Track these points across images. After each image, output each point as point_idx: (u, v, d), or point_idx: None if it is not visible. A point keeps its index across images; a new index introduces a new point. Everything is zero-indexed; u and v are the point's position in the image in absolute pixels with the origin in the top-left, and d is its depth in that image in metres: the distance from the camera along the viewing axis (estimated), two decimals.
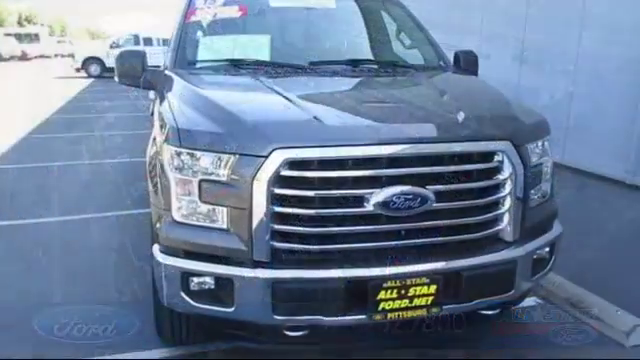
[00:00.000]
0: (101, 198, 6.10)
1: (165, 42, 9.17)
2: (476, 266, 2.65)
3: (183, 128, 2.64)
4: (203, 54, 3.75)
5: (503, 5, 8.07)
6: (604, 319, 3.37)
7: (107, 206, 5.73)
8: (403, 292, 2.56)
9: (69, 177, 7.05)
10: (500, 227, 2.74)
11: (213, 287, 2.61)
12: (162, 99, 3.29)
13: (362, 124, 2.70)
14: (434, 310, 2.62)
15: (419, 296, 2.59)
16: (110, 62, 20.92)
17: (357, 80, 3.61)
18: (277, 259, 2.53)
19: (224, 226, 2.58)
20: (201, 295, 2.63)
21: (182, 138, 2.61)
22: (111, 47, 22.84)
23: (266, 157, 2.45)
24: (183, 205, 2.64)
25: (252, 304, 2.54)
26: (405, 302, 2.58)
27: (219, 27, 3.94)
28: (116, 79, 3.95)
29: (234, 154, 2.51)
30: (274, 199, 2.47)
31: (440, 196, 2.57)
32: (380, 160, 2.52)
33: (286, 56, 3.77)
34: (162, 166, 2.72)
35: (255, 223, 2.49)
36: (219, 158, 2.54)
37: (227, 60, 3.68)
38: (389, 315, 2.57)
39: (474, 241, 2.71)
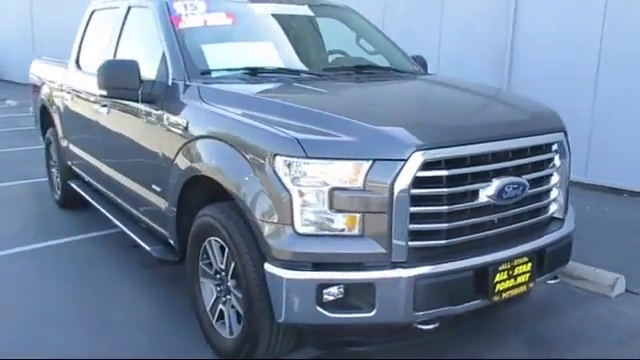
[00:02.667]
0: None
1: None
2: (554, 242, 3.05)
3: (305, 139, 2.59)
4: (213, 63, 3.57)
5: None
6: (587, 278, 4.03)
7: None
8: (511, 272, 2.85)
9: None
10: (556, 207, 3.18)
11: (347, 295, 2.62)
12: (195, 113, 3.15)
13: (471, 124, 2.92)
14: (530, 285, 2.96)
15: (521, 274, 2.89)
16: None
17: (389, 85, 3.80)
18: (412, 257, 2.63)
19: (356, 232, 2.60)
20: (337, 305, 2.61)
21: (307, 149, 2.56)
22: None
23: (406, 160, 2.54)
24: (309, 216, 2.59)
25: (395, 305, 2.60)
26: (512, 281, 2.86)
27: (215, 34, 3.78)
28: (102, 92, 3.57)
29: (368, 160, 2.55)
30: (411, 200, 2.57)
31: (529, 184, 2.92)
32: (490, 155, 2.77)
33: (297, 63, 3.78)
34: (269, 180, 2.63)
35: (395, 225, 2.56)
36: (352, 165, 2.56)
37: (244, 68, 3.57)
38: (503, 295, 2.84)
39: (545, 221, 3.12)
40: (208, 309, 3.26)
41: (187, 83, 3.36)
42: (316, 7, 4.42)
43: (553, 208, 3.16)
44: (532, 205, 2.99)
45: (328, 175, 2.56)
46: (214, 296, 3.21)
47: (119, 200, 4.38)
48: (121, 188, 4.25)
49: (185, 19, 3.75)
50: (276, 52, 3.83)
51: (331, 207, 2.57)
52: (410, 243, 2.61)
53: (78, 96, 4.93)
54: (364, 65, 4.02)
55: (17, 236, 5.19)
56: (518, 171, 2.87)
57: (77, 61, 5.16)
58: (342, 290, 2.60)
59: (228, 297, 3.09)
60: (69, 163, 5.51)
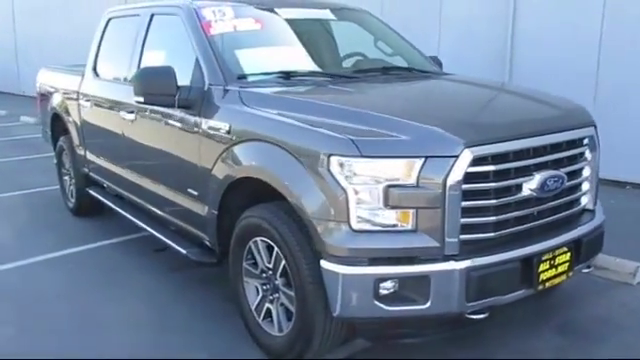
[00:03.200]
0: None
1: None
2: (589, 232, 3.18)
3: (359, 139, 2.68)
4: (248, 68, 3.64)
5: None
6: (608, 268, 4.17)
7: None
8: (552, 262, 2.97)
9: None
10: (588, 199, 3.31)
11: (402, 288, 2.71)
12: (238, 117, 3.25)
13: (512, 121, 3.03)
14: (570, 274, 3.08)
15: (562, 263, 3.02)
16: None
17: (418, 84, 3.92)
18: (462, 250, 2.73)
19: (410, 227, 2.69)
20: (392, 298, 2.70)
21: (361, 148, 2.65)
22: None
23: (457, 157, 2.65)
24: (364, 213, 2.69)
25: (448, 296, 2.70)
26: (554, 271, 2.98)
27: (246, 39, 3.86)
28: (138, 99, 3.62)
29: (421, 157, 2.65)
30: (462, 195, 2.68)
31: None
32: (531, 150, 2.89)
33: (327, 66, 3.87)
34: (324, 179, 2.72)
35: (448, 220, 2.67)
36: (405, 163, 2.66)
37: (278, 72, 3.65)
38: (546, 284, 2.96)
39: (578, 213, 3.25)
40: (253, 308, 3.33)
41: (226, 88, 3.43)
42: (337, 11, 4.51)
43: (585, 200, 3.29)
44: (568, 197, 3.12)
45: (382, 173, 2.66)
46: (260, 295, 3.29)
47: (147, 205, 4.43)
48: (150, 193, 4.30)
49: (215, 25, 3.82)
50: (305, 55, 3.92)
51: (386, 204, 2.66)
52: (461, 236, 2.72)
53: (97, 104, 4.97)
54: (389, 66, 4.13)
55: (36, 245, 5.21)
56: (556, 165, 2.99)
57: (94, 69, 5.19)
58: (397, 283, 2.70)
59: (276, 295, 3.17)
60: (85, 170, 5.54)
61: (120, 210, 4.90)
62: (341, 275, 2.70)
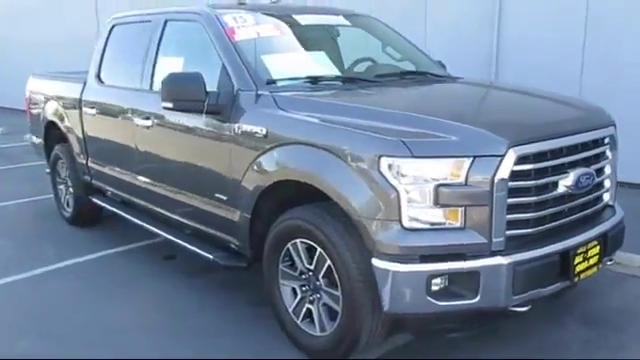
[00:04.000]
0: None
1: None
2: (613, 227, 3.34)
3: (409, 140, 2.77)
4: (276, 73, 3.68)
5: None
6: (620, 262, 4.33)
7: None
8: (585, 255, 3.11)
9: None
10: (609, 195, 3.48)
11: (451, 284, 2.81)
12: (276, 121, 3.31)
13: (547, 122, 3.17)
14: (600, 266, 3.23)
15: (593, 256, 3.16)
16: None
17: (441, 88, 4.04)
18: (508, 246, 2.85)
19: (458, 225, 2.79)
20: (443, 294, 2.80)
21: (412, 149, 2.74)
22: None
23: (503, 156, 2.77)
24: (414, 212, 2.77)
25: (496, 290, 2.81)
26: (586, 263, 3.13)
27: (269, 45, 3.91)
28: (166, 104, 3.63)
29: (469, 157, 2.76)
30: (508, 192, 2.80)
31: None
32: (565, 149, 3.03)
33: (349, 70, 3.96)
34: (374, 180, 2.80)
35: (495, 216, 2.78)
36: (454, 163, 2.76)
37: (306, 77, 3.72)
38: (580, 276, 3.10)
39: (602, 208, 3.41)
40: (291, 310, 3.37)
41: (259, 92, 3.47)
42: (349, 17, 4.61)
43: (606, 196, 3.46)
44: (595, 194, 3.28)
45: (432, 172, 2.75)
46: (298, 296, 3.34)
47: (162, 211, 4.42)
48: (167, 199, 4.29)
49: (238, 31, 3.86)
50: (327, 60, 4.01)
51: (435, 202, 2.76)
52: (506, 232, 2.83)
53: (104, 111, 4.93)
54: (406, 71, 4.24)
55: (41, 255, 5.14)
56: (586, 163, 3.14)
57: (98, 76, 5.14)
58: (447, 279, 2.80)
59: (317, 296, 3.22)
60: (87, 178, 5.47)
61: (130, 217, 4.86)
62: (394, 272, 2.78)
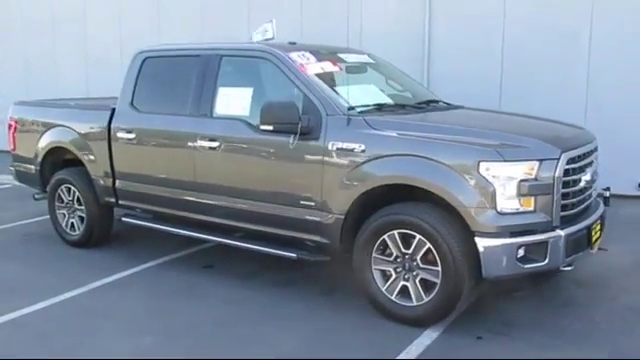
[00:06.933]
0: None
1: None
2: (604, 211, 4.66)
3: (501, 149, 3.85)
4: (351, 101, 4.54)
5: None
6: None
7: None
8: (595, 230, 4.38)
9: None
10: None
11: (528, 252, 3.89)
12: (373, 138, 4.21)
13: (571, 136, 4.39)
14: (600, 240, 4.50)
15: (597, 231, 4.44)
16: None
17: (468, 112, 5.19)
18: (561, 222, 4.01)
19: (531, 209, 3.90)
20: (524, 259, 3.87)
21: (504, 155, 3.82)
22: None
23: (558, 159, 3.94)
24: (505, 201, 3.84)
25: (557, 254, 3.94)
26: (596, 236, 4.39)
27: (334, 78, 4.78)
28: (266, 127, 4.36)
29: (538, 160, 3.89)
30: (560, 184, 3.96)
31: None
32: (582, 155, 4.28)
33: (397, 99, 4.98)
34: (475, 179, 3.82)
35: (555, 202, 3.93)
36: (529, 164, 3.87)
37: (375, 104, 4.67)
38: (594, 245, 4.35)
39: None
40: (384, 289, 4.23)
41: (350, 117, 4.33)
42: (371, 56, 5.64)
43: (594, 192, 4.80)
44: (594, 187, 4.58)
45: (515, 172, 3.84)
46: (392, 277, 4.21)
47: (221, 221, 5.03)
48: (232, 209, 4.90)
49: (308, 67, 4.69)
50: (377, 91, 4.97)
51: (518, 193, 3.84)
52: (560, 213, 4.00)
53: (145, 135, 5.40)
54: (425, 100, 5.33)
55: (76, 274, 5.38)
56: (590, 165, 4.43)
57: (132, 103, 5.57)
58: (526, 248, 3.88)
59: (413, 274, 4.12)
60: (111, 200, 5.82)
61: (175, 229, 5.38)
62: (493, 246, 3.81)
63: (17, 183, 9.86)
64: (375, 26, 9.04)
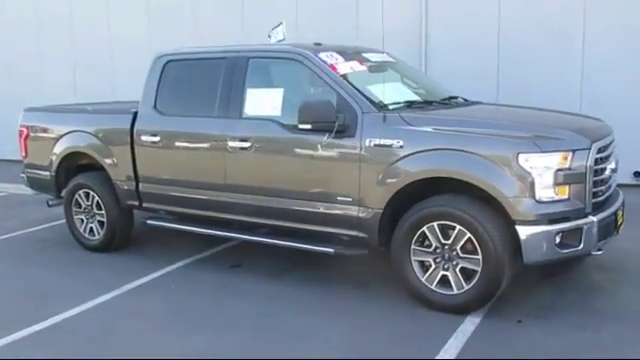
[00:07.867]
0: None
1: None
2: (623, 199, 4.90)
3: (538, 141, 4.05)
4: (383, 99, 4.69)
5: None
6: None
7: None
8: (619, 215, 4.61)
9: None
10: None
11: (565, 238, 4.09)
12: (411, 134, 4.37)
13: (594, 128, 4.60)
14: (622, 225, 4.74)
15: (620, 216, 4.67)
16: None
17: (491, 107, 5.48)
18: (593, 209, 4.23)
19: (566, 197, 4.11)
20: (561, 245, 4.08)
21: (541, 147, 4.02)
22: None
23: (589, 149, 4.15)
24: (542, 190, 4.03)
25: (590, 239, 4.15)
26: (620, 220, 4.63)
27: (363, 77, 4.92)
28: (304, 126, 4.48)
29: (572, 150, 4.10)
30: (591, 172, 4.18)
31: None
32: (608, 145, 4.50)
33: (424, 96, 5.14)
34: (514, 170, 4.01)
35: (587, 190, 4.14)
36: (564, 155, 4.08)
37: (405, 102, 4.83)
38: (619, 230, 4.59)
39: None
40: (424, 279, 4.39)
41: (385, 114, 4.48)
42: (390, 55, 5.80)
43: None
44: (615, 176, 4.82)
45: (552, 162, 4.04)
46: (432, 267, 4.37)
47: (253, 219, 5.13)
48: (264, 208, 5.01)
49: (338, 67, 4.82)
50: (404, 88, 5.13)
51: (554, 182, 4.04)
52: (592, 200, 4.21)
53: (171, 138, 5.46)
54: (447, 97, 5.50)
55: (102, 279, 5.41)
56: (612, 155, 4.66)
57: (155, 107, 5.62)
58: (563, 234, 4.08)
59: (453, 263, 4.29)
60: (134, 203, 5.86)
61: (206, 230, 5.45)
62: (534, 233, 4.00)
63: (12, 191, 9.91)
64: (372, 25, 9.22)
